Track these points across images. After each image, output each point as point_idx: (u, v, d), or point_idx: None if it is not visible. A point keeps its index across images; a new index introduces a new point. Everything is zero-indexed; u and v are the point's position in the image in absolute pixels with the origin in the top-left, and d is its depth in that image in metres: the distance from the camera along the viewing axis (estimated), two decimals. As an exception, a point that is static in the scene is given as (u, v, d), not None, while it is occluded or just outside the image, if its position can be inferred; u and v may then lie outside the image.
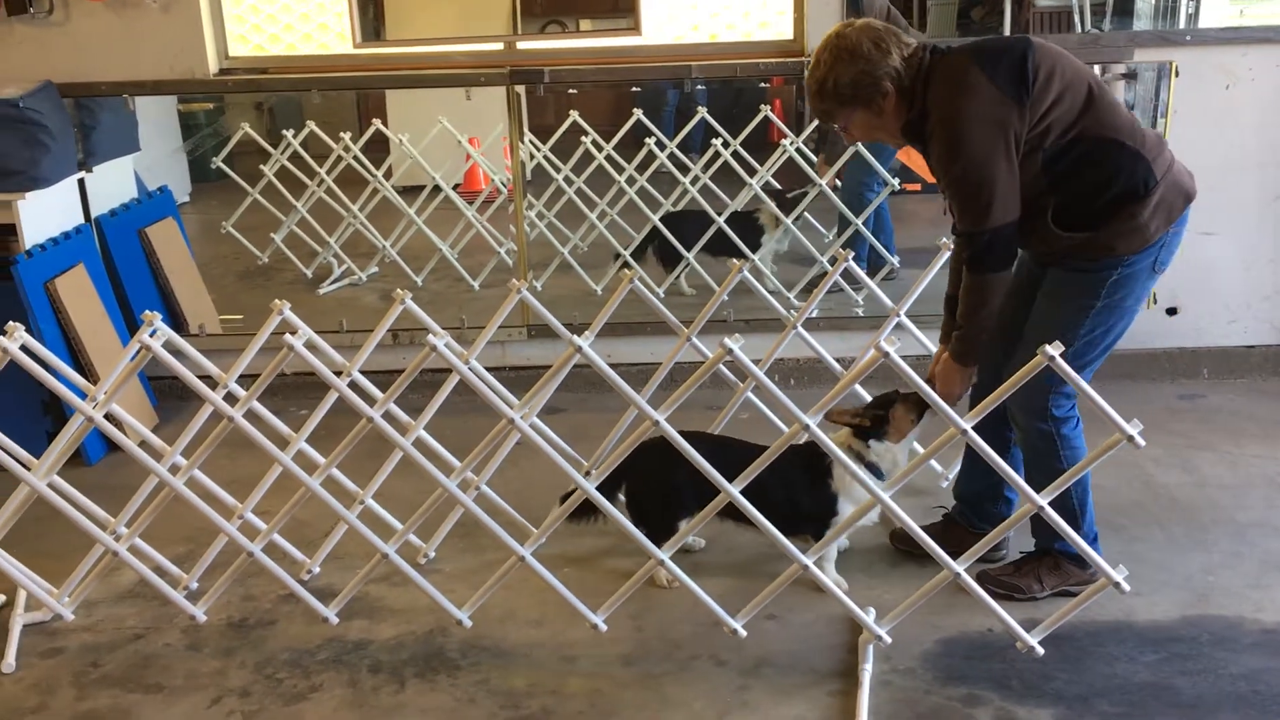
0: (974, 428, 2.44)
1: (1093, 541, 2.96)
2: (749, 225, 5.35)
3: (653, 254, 5.38)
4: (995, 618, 2.62)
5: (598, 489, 2.69)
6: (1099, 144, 2.76)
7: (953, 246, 3.05)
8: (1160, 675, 2.75)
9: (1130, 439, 2.31)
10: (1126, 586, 2.47)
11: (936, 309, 3.15)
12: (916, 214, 5.93)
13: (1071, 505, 2.95)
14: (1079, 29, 6.70)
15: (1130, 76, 5.58)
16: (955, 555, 2.59)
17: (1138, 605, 3.03)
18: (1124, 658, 2.82)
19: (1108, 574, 2.47)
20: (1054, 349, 2.29)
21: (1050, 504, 2.47)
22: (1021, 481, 2.48)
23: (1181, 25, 5.79)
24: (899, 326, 3.48)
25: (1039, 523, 2.97)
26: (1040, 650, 2.62)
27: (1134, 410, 2.41)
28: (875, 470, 3.03)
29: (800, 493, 2.73)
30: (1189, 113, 4.50)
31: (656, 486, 3.00)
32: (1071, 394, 2.91)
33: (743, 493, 2.63)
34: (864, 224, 5.06)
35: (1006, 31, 6.88)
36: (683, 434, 2.64)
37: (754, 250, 5.30)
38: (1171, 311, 4.73)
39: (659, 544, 3.07)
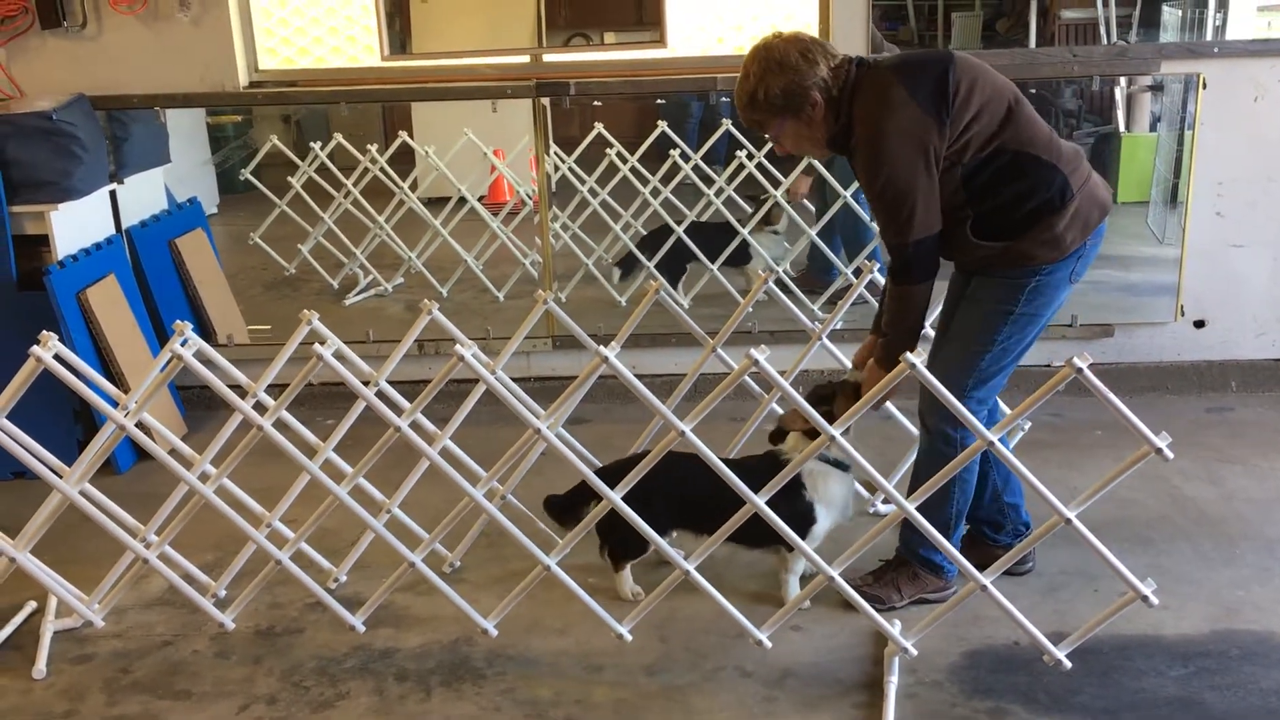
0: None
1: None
2: (734, 236, 5.38)
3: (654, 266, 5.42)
4: (1022, 630, 2.61)
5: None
6: (1016, 158, 2.82)
7: None
8: (1189, 690, 2.73)
9: (1159, 452, 2.30)
10: (1155, 600, 2.46)
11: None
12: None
13: (946, 516, 2.99)
14: (1105, 41, 6.69)
15: (1157, 89, 5.57)
16: (981, 569, 2.59)
17: (1166, 619, 3.01)
18: (1152, 672, 2.80)
19: (1136, 587, 2.46)
20: (1081, 361, 2.29)
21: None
22: (1050, 495, 2.47)
23: (1209, 37, 5.77)
24: (923, 338, 3.47)
25: (905, 531, 3.01)
26: (1067, 664, 2.61)
27: (1161, 423, 2.40)
28: (842, 466, 3.05)
29: (776, 504, 2.70)
30: (1217, 125, 4.47)
31: (630, 505, 2.91)
32: (984, 400, 2.96)
33: (720, 508, 2.66)
34: (848, 236, 5.09)
35: (1032, 44, 6.88)
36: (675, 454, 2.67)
37: (746, 261, 5.34)
38: (1199, 324, 4.70)
39: (624, 562, 3.12)
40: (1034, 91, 6.15)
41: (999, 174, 2.82)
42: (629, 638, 2.82)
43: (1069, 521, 2.44)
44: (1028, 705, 2.69)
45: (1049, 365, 4.72)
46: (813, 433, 2.97)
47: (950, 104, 2.76)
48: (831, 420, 3.00)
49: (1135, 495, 3.69)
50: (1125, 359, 4.73)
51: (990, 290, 2.94)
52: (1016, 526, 3.25)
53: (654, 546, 2.78)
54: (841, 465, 3.05)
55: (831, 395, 3.07)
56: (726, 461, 2.72)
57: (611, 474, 2.81)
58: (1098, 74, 4.56)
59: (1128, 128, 6.06)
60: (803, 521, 3.00)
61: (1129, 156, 5.99)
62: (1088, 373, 2.29)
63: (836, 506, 3.09)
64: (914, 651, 2.71)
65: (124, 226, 4.73)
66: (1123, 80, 5.71)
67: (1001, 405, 3.50)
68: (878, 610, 2.76)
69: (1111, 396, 2.34)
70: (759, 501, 2.63)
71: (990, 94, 2.81)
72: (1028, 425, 3.70)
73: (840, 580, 2.66)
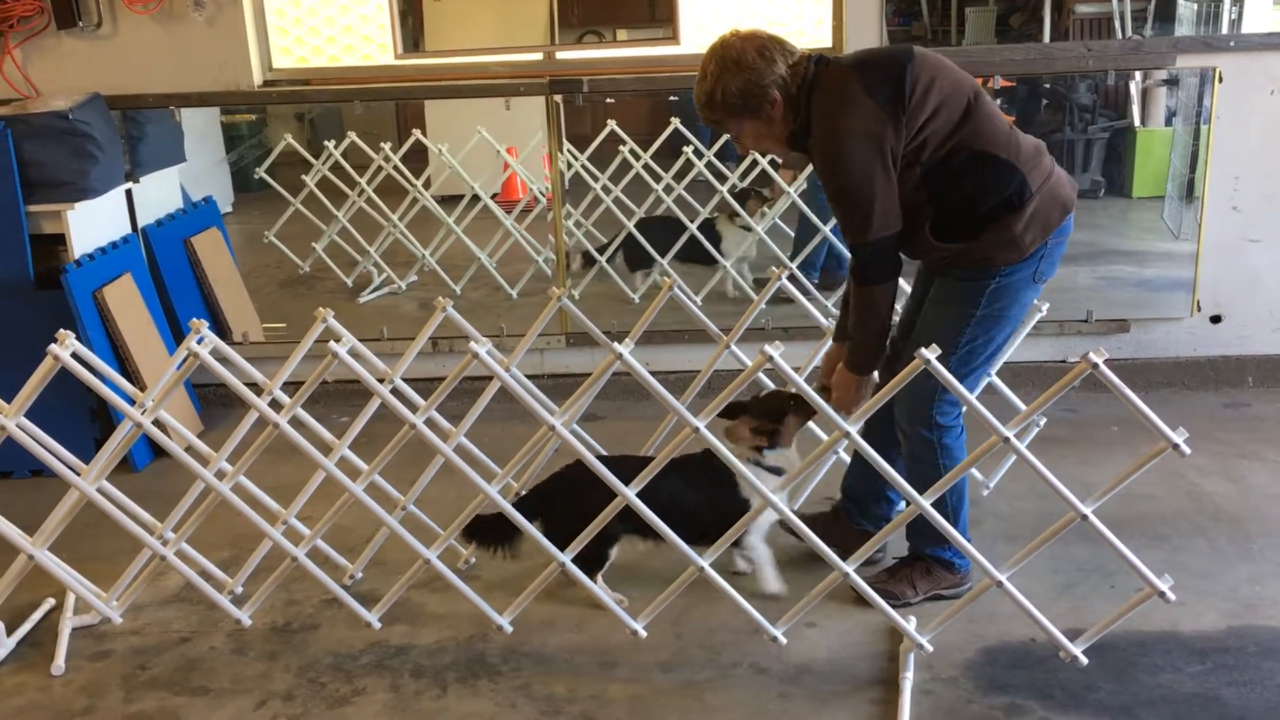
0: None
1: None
2: (713, 232, 5.44)
3: (621, 259, 5.49)
4: (1038, 627, 2.60)
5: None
6: (974, 157, 2.80)
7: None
8: (1206, 686, 2.72)
9: (1175, 447, 2.29)
10: (1172, 596, 2.45)
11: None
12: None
13: (946, 510, 2.98)
14: (1120, 35, 6.66)
15: (1172, 82, 5.54)
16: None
17: (1183, 615, 3.00)
18: (1169, 668, 2.79)
19: (1152, 583, 2.45)
20: (1097, 356, 2.29)
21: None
22: (1066, 492, 2.46)
23: (1224, 30, 5.74)
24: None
25: (914, 528, 3.00)
26: (1084, 660, 2.60)
27: (1178, 418, 2.39)
28: (776, 471, 3.05)
29: (714, 503, 2.71)
30: (1233, 119, 4.45)
31: (579, 517, 2.81)
32: (956, 401, 2.95)
33: (658, 506, 2.67)
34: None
35: (1046, 39, 6.85)
36: (619, 458, 2.68)
37: (723, 257, 5.41)
38: (1216, 319, 4.68)
39: (594, 573, 3.06)
40: (1048, 86, 6.14)
41: (957, 172, 2.80)
42: (644, 634, 2.83)
43: (1085, 518, 2.43)
44: (1044, 702, 2.69)
45: (1064, 361, 4.71)
46: (768, 436, 3.00)
47: (907, 102, 2.74)
48: (777, 435, 3.00)
49: (1151, 491, 3.67)
50: (1141, 354, 4.71)
51: (952, 293, 2.93)
52: (879, 522, 3.24)
53: (672, 545, 2.78)
54: (777, 471, 3.05)
55: (782, 412, 3.05)
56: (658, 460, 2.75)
57: (568, 481, 2.81)
58: (1113, 68, 4.54)
59: (1143, 122, 6.03)
60: (736, 520, 2.94)
61: (1144, 151, 5.96)
62: (1104, 368, 2.29)
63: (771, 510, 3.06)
64: (930, 647, 2.70)
65: (140, 225, 4.76)
66: (1138, 74, 5.69)
67: (1016, 401, 3.50)
68: (893, 606, 2.75)
69: (1128, 392, 2.33)
70: (775, 500, 2.63)
71: (949, 91, 2.79)
72: (1043, 421, 3.69)
73: (855, 576, 2.66)
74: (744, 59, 2.78)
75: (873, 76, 2.77)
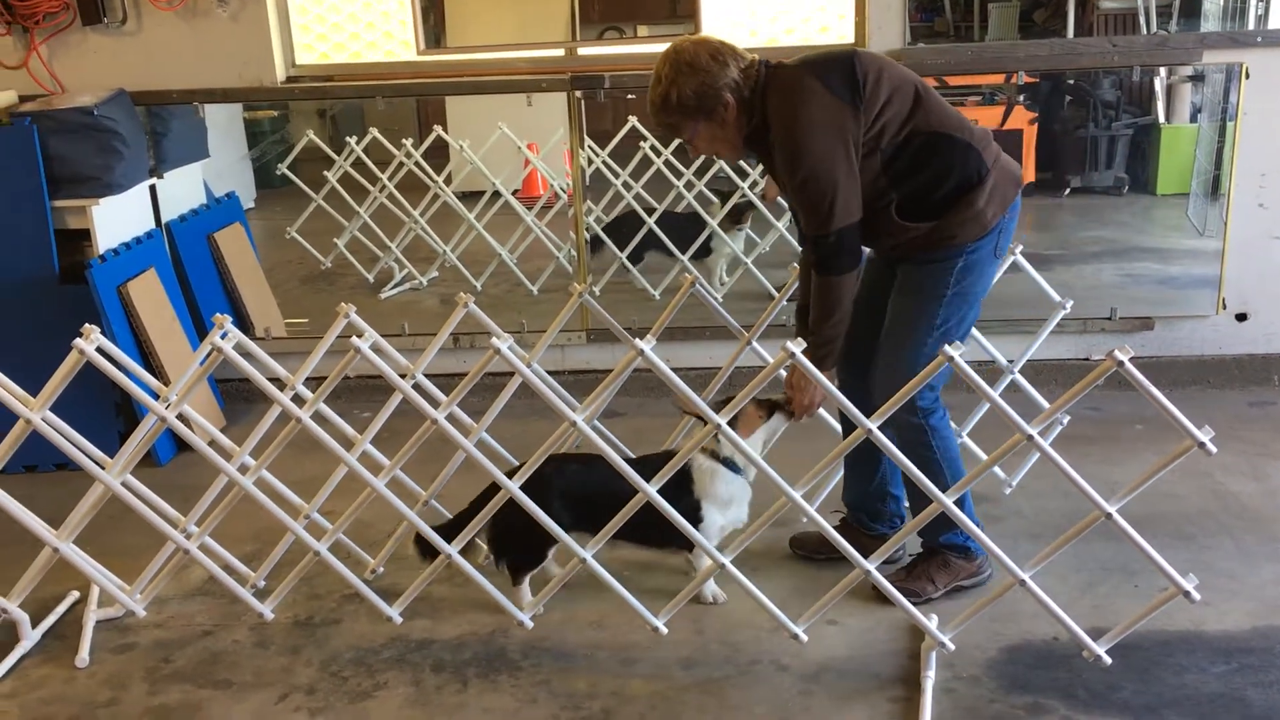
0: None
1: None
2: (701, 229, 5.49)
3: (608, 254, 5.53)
4: (1061, 626, 2.59)
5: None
6: (932, 139, 2.84)
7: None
8: (1231, 686, 2.70)
9: (1201, 445, 2.27)
10: (1196, 595, 2.43)
11: (991, 314, 3.15)
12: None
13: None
14: (1145, 31, 6.61)
15: (1198, 79, 5.50)
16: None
17: (1208, 615, 2.97)
18: (1193, 668, 2.77)
19: (1177, 583, 2.43)
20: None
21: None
22: (1090, 490, 2.44)
23: (1251, 26, 5.69)
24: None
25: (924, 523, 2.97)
26: (1107, 659, 2.58)
27: (1203, 417, 2.37)
28: (732, 465, 3.03)
29: (664, 501, 2.70)
30: (1260, 115, 4.41)
31: (520, 518, 2.81)
32: (934, 386, 2.97)
33: (614, 509, 2.69)
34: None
35: (1070, 34, 6.81)
36: (566, 455, 2.74)
37: (707, 255, 5.49)
38: (1241, 317, 4.64)
39: (524, 574, 3.09)
40: (1072, 82, 6.10)
41: (917, 155, 2.84)
42: (664, 631, 2.83)
43: (1109, 516, 2.41)
44: (1067, 701, 2.67)
45: (1088, 359, 4.68)
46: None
47: (862, 90, 2.79)
48: (734, 422, 2.98)
49: (1176, 490, 3.65)
50: (1166, 352, 4.68)
51: (919, 278, 2.95)
52: (893, 519, 3.27)
53: (695, 541, 2.77)
54: (733, 466, 3.03)
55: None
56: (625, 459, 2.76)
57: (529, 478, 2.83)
58: (1138, 64, 4.50)
59: (1167, 118, 5.99)
60: (690, 518, 2.90)
61: (1169, 148, 5.93)
62: (1129, 366, 2.27)
63: (726, 506, 3.04)
64: (951, 646, 2.69)
65: (164, 221, 4.79)
66: (1162, 71, 5.65)
67: (1039, 399, 3.48)
68: (914, 603, 2.74)
69: (1153, 390, 2.31)
70: (795, 496, 2.62)
71: (897, 82, 2.85)
72: (1067, 419, 3.67)
73: (877, 574, 2.65)
74: (698, 62, 2.82)
75: (825, 71, 2.83)
